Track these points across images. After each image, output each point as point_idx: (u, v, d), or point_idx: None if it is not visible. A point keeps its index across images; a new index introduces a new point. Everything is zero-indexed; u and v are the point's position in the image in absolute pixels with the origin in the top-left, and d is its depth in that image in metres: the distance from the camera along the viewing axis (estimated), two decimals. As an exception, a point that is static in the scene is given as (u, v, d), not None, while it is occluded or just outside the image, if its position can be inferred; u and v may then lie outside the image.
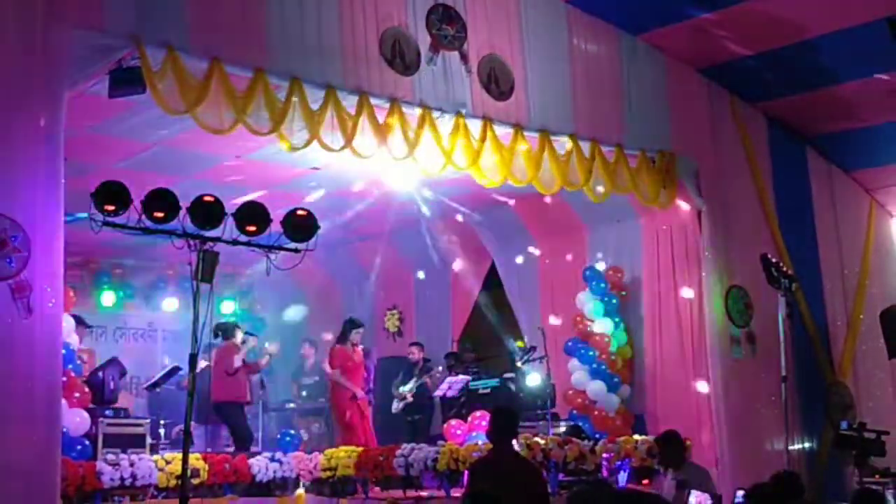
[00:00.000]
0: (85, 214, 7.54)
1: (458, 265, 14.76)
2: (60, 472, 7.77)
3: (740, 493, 9.10)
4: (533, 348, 12.12)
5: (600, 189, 11.12)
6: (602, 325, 12.57)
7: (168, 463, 9.75)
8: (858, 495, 6.93)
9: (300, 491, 10.81)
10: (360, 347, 12.85)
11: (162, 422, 12.43)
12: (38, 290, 7.49)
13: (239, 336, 12.75)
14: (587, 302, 12.67)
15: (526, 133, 10.46)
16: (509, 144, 10.33)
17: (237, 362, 12.56)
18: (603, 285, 12.72)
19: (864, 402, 12.59)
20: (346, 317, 13.13)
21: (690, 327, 12.05)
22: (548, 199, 12.42)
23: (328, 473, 10.83)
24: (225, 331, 12.75)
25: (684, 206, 11.97)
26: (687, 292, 12.11)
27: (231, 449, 12.02)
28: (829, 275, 13.02)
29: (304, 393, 14.79)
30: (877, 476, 10.75)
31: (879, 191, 13.56)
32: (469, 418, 11.73)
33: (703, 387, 11.77)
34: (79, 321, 11.65)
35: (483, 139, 10.13)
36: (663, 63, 11.90)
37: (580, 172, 10.80)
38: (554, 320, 13.35)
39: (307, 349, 15.03)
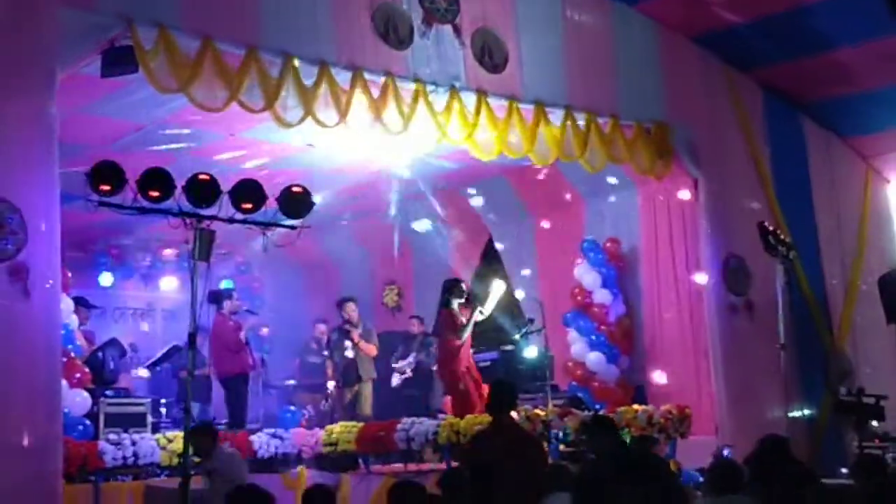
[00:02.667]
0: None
1: (455, 239, 14.76)
2: (62, 452, 7.82)
3: (726, 450, 9.18)
4: (531, 320, 12.13)
5: (596, 160, 11.10)
6: (600, 296, 12.58)
7: (170, 441, 9.79)
8: (860, 461, 6.97)
9: (301, 466, 10.86)
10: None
11: (163, 401, 12.45)
12: (35, 271, 7.51)
13: (228, 305, 12.66)
14: (585, 273, 12.67)
15: (520, 105, 10.44)
16: (504, 117, 10.31)
17: (242, 336, 12.57)
18: (601, 256, 12.73)
19: (863, 368, 12.62)
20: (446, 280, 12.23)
21: (689, 296, 12.07)
22: (543, 172, 12.42)
23: (329, 449, 10.87)
24: (216, 299, 12.61)
25: (681, 175, 11.96)
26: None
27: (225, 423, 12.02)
28: (826, 242, 13.02)
29: (309, 371, 14.83)
30: (876, 440, 10.80)
31: (876, 157, 13.54)
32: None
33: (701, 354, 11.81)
34: (84, 303, 11.68)
35: (478, 112, 10.11)
36: (657, 32, 11.86)
37: (575, 144, 10.79)
38: (552, 292, 13.36)
39: (320, 328, 15.01)
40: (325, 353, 13.92)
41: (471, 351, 11.68)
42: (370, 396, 13.18)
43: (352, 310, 13.23)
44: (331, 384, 13.48)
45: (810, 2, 11.10)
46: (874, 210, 13.57)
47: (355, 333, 13.07)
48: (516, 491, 6.76)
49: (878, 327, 12.54)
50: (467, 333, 11.34)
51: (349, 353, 13.08)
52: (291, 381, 14.85)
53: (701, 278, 11.90)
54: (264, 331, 13.42)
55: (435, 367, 12.81)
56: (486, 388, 11.21)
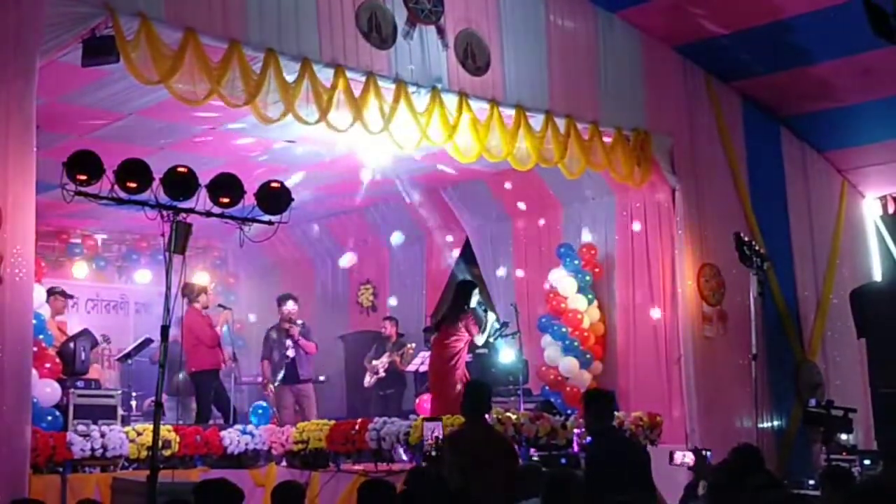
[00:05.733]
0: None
1: (432, 240, 14.77)
2: (30, 443, 7.77)
3: (708, 453, 9.23)
4: (506, 324, 12.15)
5: (575, 166, 11.14)
6: (575, 302, 12.60)
7: (139, 434, 9.75)
8: (828, 473, 7.01)
9: (271, 463, 10.84)
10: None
11: (133, 393, 12.39)
12: (8, 259, 7.45)
13: (202, 300, 12.63)
14: (561, 279, 12.70)
15: (501, 109, 10.45)
16: (485, 120, 10.32)
17: (218, 331, 12.55)
18: (577, 262, 12.75)
19: (833, 381, 12.73)
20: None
21: (663, 305, 12.12)
22: (522, 176, 12.42)
23: (300, 446, 10.84)
24: (190, 293, 12.52)
25: (658, 183, 12.01)
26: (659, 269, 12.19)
27: (221, 421, 11.96)
28: (800, 254, 13.12)
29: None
30: (844, 453, 10.89)
31: (852, 171, 13.65)
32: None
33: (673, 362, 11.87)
34: (62, 293, 11.62)
35: (459, 114, 10.12)
36: (640, 40, 11.91)
37: (555, 149, 10.81)
38: (527, 296, 13.38)
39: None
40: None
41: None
42: (313, 396, 13.02)
43: (290, 308, 13.09)
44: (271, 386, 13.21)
45: (791, 15, 11.18)
46: (849, 224, 13.67)
47: (294, 330, 12.93)
48: (493, 493, 6.77)
49: (849, 341, 12.65)
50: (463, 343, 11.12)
51: (290, 353, 12.91)
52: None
53: (675, 286, 11.93)
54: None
55: (418, 367, 12.76)
56: None
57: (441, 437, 7.77)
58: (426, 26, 10.08)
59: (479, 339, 11.20)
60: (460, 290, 11.48)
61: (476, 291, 11.35)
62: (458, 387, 10.82)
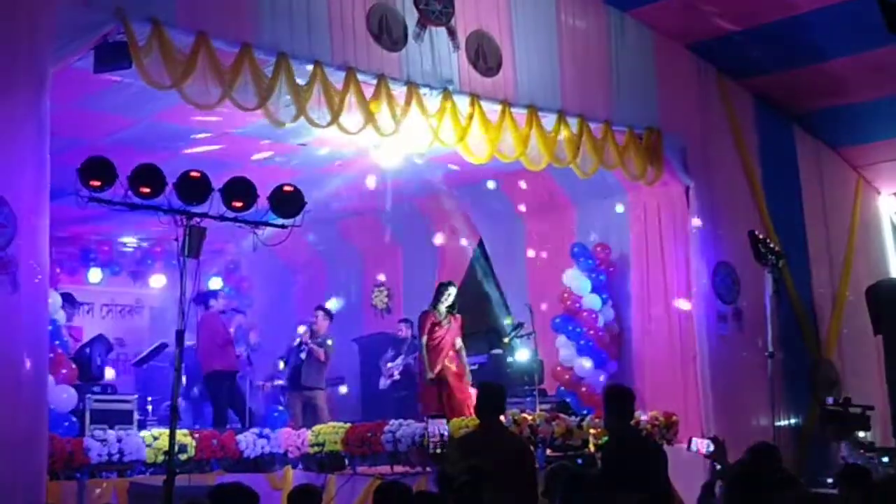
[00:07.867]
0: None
1: (446, 242, 14.76)
2: (47, 448, 7.78)
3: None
4: (521, 324, 12.14)
5: (588, 165, 11.12)
6: (589, 302, 12.58)
7: (155, 439, 9.78)
8: (845, 471, 6.97)
9: (287, 467, 10.85)
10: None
11: (149, 398, 12.43)
12: (24, 265, 7.46)
13: (216, 304, 12.69)
14: (575, 278, 12.68)
15: (513, 109, 10.44)
16: (497, 121, 10.31)
17: (231, 332, 12.63)
18: (590, 262, 12.73)
19: (850, 379, 12.67)
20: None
21: (678, 303, 12.08)
22: (534, 176, 12.41)
23: (316, 449, 10.85)
24: (202, 300, 12.60)
25: (672, 182, 11.99)
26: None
27: (238, 425, 11.97)
28: (815, 252, 13.08)
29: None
30: (861, 451, 10.83)
31: (866, 168, 13.60)
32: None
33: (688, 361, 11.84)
34: (69, 299, 11.67)
35: (470, 116, 10.11)
36: (651, 39, 11.89)
37: (567, 149, 10.80)
38: (541, 297, 13.36)
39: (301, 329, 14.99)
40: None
41: (453, 354, 11.65)
42: (323, 405, 12.99)
43: (320, 318, 13.11)
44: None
45: (804, 12, 11.14)
46: (864, 220, 13.63)
47: (305, 335, 12.91)
48: (510, 496, 6.75)
49: (866, 338, 12.59)
50: (440, 333, 11.41)
51: (303, 356, 12.91)
52: (280, 382, 14.82)
53: (690, 285, 11.90)
54: (252, 337, 13.43)
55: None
56: (468, 393, 11.29)
57: (445, 435, 7.76)
58: (437, 28, 10.08)
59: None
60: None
61: (442, 292, 11.67)
62: (429, 376, 11.32)
